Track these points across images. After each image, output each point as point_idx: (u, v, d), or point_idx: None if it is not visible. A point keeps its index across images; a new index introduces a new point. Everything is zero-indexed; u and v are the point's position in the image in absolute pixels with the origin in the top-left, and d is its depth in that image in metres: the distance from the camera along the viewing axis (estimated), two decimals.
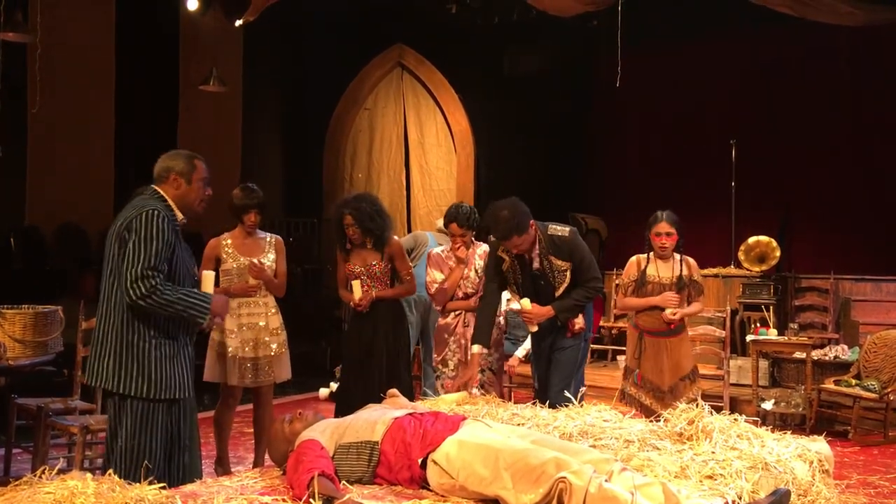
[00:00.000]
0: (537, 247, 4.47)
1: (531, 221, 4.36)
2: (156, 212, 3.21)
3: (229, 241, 4.75)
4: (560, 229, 4.51)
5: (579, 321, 4.58)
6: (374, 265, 4.92)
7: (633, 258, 4.98)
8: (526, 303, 4.53)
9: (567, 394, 4.19)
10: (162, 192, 3.34)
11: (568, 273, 4.48)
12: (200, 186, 3.42)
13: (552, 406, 3.96)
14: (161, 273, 3.16)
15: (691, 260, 4.91)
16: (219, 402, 4.81)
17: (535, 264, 4.49)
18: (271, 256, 4.79)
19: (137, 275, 3.11)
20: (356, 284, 4.92)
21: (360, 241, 4.93)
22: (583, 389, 4.44)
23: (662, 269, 4.85)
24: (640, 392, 4.85)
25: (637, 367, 4.89)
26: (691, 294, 4.86)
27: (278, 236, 4.94)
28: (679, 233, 4.81)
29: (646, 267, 4.88)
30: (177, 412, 3.33)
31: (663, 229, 4.78)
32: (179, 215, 3.35)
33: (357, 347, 4.96)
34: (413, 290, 5.16)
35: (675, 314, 4.73)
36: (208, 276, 3.49)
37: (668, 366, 4.81)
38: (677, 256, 4.86)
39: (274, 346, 4.74)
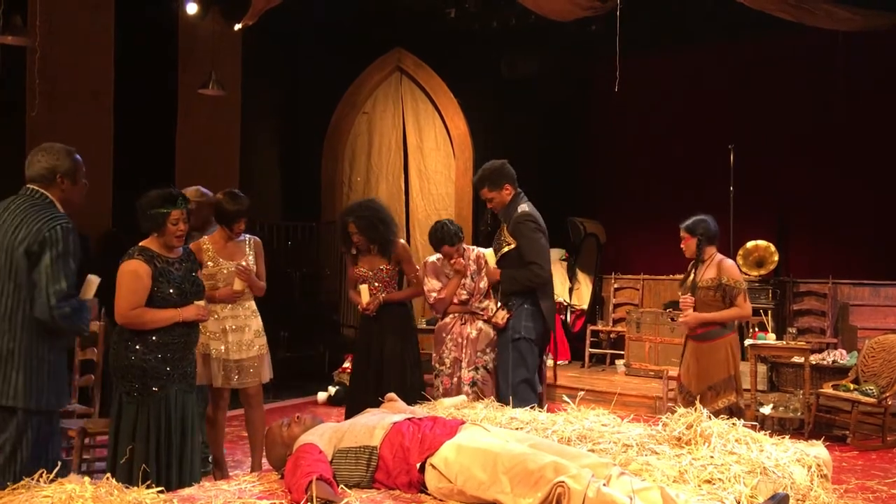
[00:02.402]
0: (502, 214, 4.89)
1: (508, 186, 4.81)
2: (69, 226, 3.12)
3: (210, 246, 4.73)
4: (521, 209, 4.81)
5: (499, 316, 4.75)
6: (382, 269, 5.01)
7: (690, 264, 5.10)
8: (490, 254, 4.87)
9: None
10: (49, 196, 3.22)
11: (506, 248, 4.81)
12: (83, 183, 3.30)
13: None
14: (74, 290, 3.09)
15: (726, 262, 4.91)
16: (208, 405, 4.81)
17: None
18: (251, 258, 4.79)
19: (62, 293, 3.02)
20: (364, 289, 4.99)
21: (365, 248, 4.99)
22: (535, 392, 4.76)
23: (697, 274, 4.92)
24: (679, 396, 4.89)
25: (679, 368, 5.03)
26: (725, 298, 4.81)
27: (256, 237, 4.93)
28: (694, 237, 4.89)
29: (689, 271, 5.01)
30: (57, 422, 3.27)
31: (680, 234, 4.95)
32: None
33: (366, 350, 5.00)
34: (421, 291, 5.21)
35: (685, 317, 4.82)
36: (92, 282, 3.34)
37: (696, 371, 4.83)
38: (716, 259, 4.90)
39: (256, 347, 4.75)
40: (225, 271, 4.66)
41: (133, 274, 3.62)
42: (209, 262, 4.67)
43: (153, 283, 3.63)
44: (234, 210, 4.65)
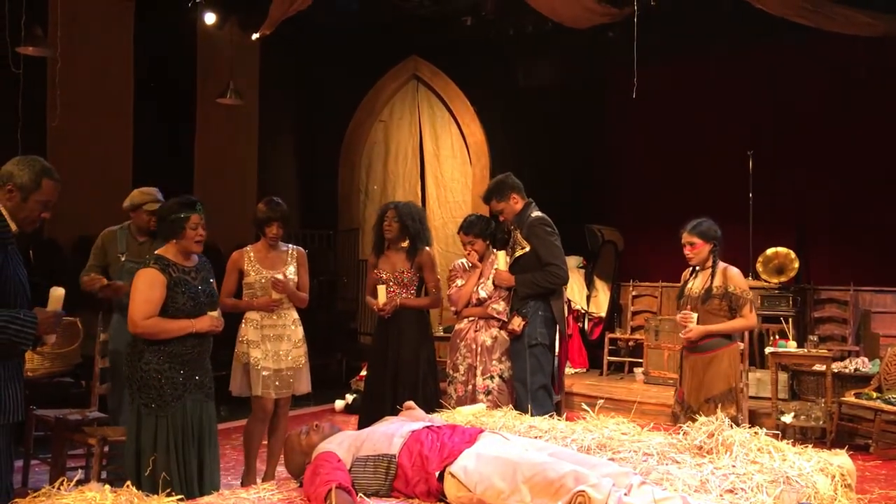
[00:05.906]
0: (515, 222, 4.99)
1: (515, 196, 4.93)
2: None
3: (252, 255, 4.76)
4: (535, 214, 4.92)
5: (515, 323, 4.78)
6: (402, 272, 5.01)
7: (685, 272, 4.81)
8: (501, 258, 4.93)
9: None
10: None
11: (519, 251, 4.88)
12: (37, 208, 3.00)
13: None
14: None
15: (730, 270, 4.57)
16: (250, 415, 4.80)
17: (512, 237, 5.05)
18: (292, 269, 4.79)
19: None
20: (381, 290, 5.01)
21: (394, 237, 5.03)
22: (552, 398, 4.79)
23: (698, 282, 4.62)
24: (680, 410, 4.62)
25: (679, 383, 4.73)
26: (730, 308, 4.49)
27: (300, 248, 4.95)
28: (709, 242, 4.55)
29: (687, 280, 4.73)
30: (8, 436, 3.01)
31: (685, 239, 4.61)
32: (13, 226, 2.97)
33: (382, 355, 5.00)
34: (439, 302, 5.20)
35: (688, 332, 4.51)
36: (55, 296, 3.08)
37: (695, 384, 4.55)
38: (720, 267, 4.56)
39: (294, 357, 4.74)
40: (263, 280, 4.68)
41: (148, 283, 3.61)
42: (250, 271, 4.70)
43: (168, 292, 3.62)
44: (265, 217, 4.70)
